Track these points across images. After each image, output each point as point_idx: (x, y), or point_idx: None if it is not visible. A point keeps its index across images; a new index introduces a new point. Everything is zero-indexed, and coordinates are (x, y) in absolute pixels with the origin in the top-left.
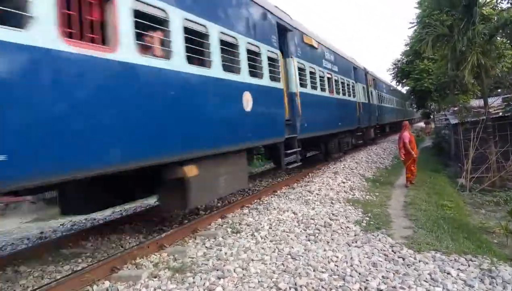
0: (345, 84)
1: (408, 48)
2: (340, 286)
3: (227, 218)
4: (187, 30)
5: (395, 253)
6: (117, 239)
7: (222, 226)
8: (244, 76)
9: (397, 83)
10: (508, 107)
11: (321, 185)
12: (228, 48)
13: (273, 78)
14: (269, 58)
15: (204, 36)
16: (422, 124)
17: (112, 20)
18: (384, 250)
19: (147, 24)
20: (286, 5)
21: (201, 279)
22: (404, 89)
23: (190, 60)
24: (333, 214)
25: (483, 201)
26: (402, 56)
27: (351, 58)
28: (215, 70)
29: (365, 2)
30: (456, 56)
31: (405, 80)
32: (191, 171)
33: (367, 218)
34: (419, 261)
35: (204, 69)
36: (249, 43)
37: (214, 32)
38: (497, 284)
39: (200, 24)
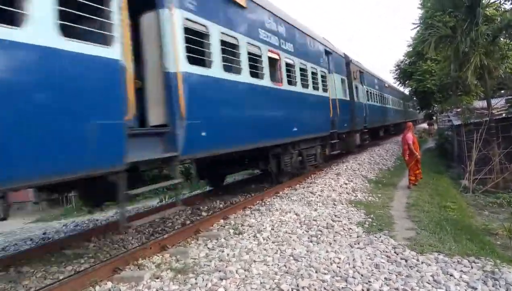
0: (309, 73)
1: (411, 49)
2: (342, 287)
3: (229, 219)
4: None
5: (397, 254)
6: (119, 240)
7: (224, 227)
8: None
9: (400, 85)
10: (511, 108)
11: (323, 186)
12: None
13: None
14: None
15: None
16: (425, 125)
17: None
18: (386, 252)
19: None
20: (286, 5)
21: (203, 280)
22: (406, 90)
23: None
24: (335, 215)
25: (486, 202)
26: (405, 57)
27: (322, 38)
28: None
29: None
30: (459, 57)
31: (407, 81)
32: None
33: (370, 220)
34: (422, 263)
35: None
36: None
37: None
38: (500, 286)
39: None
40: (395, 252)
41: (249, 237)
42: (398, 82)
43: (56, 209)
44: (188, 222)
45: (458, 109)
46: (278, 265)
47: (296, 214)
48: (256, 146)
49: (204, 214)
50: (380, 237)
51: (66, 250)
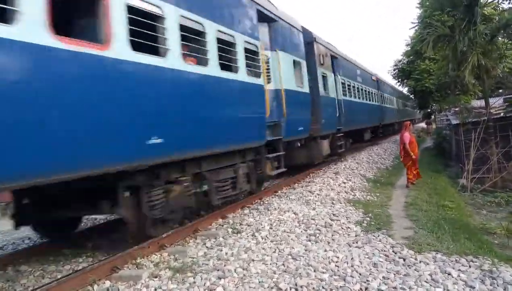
0: (209, 38)
1: (409, 48)
2: (340, 286)
3: (228, 218)
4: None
5: (395, 253)
6: (117, 239)
7: (222, 226)
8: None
9: (399, 84)
10: (509, 107)
11: (322, 185)
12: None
13: None
14: None
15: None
16: (423, 124)
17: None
18: (384, 251)
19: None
20: (286, 5)
21: (201, 279)
22: (405, 89)
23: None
24: (333, 215)
25: (484, 201)
26: (403, 56)
27: None
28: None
29: (365, 2)
30: (457, 57)
31: (406, 80)
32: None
33: (368, 219)
34: (420, 262)
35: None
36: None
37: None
38: (498, 285)
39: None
40: (393, 251)
41: (248, 236)
42: (396, 81)
43: None
44: (186, 221)
45: (456, 109)
46: (277, 264)
47: (294, 213)
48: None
49: (202, 213)
50: (378, 236)
51: (64, 249)
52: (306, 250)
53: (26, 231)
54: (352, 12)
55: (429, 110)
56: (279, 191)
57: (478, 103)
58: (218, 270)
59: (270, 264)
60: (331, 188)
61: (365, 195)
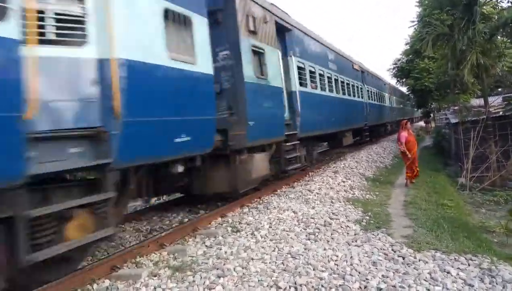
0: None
1: (408, 47)
2: (340, 285)
3: (227, 217)
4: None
5: (395, 252)
6: (117, 238)
7: (222, 225)
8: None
9: (398, 83)
10: (508, 106)
11: (321, 184)
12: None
13: None
14: None
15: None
16: (422, 123)
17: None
18: (384, 249)
19: None
20: (286, 5)
21: (201, 278)
22: (404, 88)
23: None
24: (333, 213)
25: (483, 200)
26: (402, 55)
27: None
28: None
29: (365, 2)
30: (456, 55)
31: (405, 79)
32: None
33: (367, 217)
34: (419, 260)
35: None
36: None
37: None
38: (497, 283)
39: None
40: (392, 250)
41: (247, 235)
42: (396, 80)
43: None
44: (186, 220)
45: (456, 107)
46: (276, 262)
47: (294, 212)
48: None
49: (202, 212)
50: (377, 234)
51: None
52: (305, 249)
53: None
54: (352, 12)
55: (427, 109)
56: (279, 190)
57: (477, 102)
58: (217, 269)
59: (270, 262)
60: (330, 186)
61: (364, 194)
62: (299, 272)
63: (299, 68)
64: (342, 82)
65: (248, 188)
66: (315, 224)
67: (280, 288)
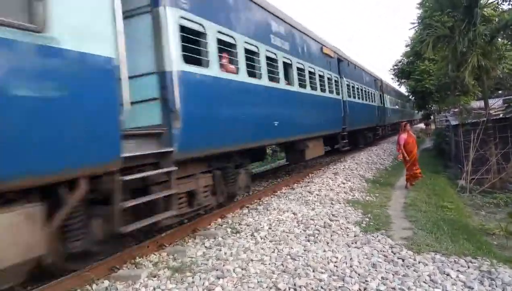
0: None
1: (409, 49)
2: (339, 286)
3: (227, 218)
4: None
5: (394, 254)
6: (116, 238)
7: (221, 226)
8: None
9: (398, 84)
10: (508, 108)
11: (321, 186)
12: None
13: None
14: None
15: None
16: (422, 125)
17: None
18: (383, 251)
19: None
20: (286, 5)
21: (200, 279)
22: (403, 89)
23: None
24: (333, 215)
25: (483, 202)
26: (403, 57)
27: None
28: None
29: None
30: (457, 57)
31: (404, 80)
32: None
33: (367, 219)
34: (419, 262)
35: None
36: None
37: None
38: (496, 286)
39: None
40: (392, 252)
41: (247, 236)
42: (396, 81)
43: None
44: (185, 220)
45: (456, 109)
46: (276, 264)
47: (293, 213)
48: None
49: (201, 212)
50: (377, 236)
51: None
52: (305, 250)
53: None
54: (352, 12)
55: (428, 111)
56: (278, 191)
57: (477, 104)
58: (217, 270)
59: (269, 264)
60: (330, 188)
61: (364, 196)
62: (299, 273)
63: (182, 30)
64: (301, 69)
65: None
66: (315, 226)
67: (279, 289)
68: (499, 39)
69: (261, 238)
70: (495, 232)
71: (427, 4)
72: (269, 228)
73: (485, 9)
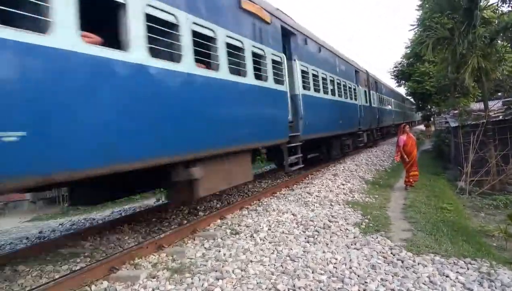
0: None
1: (409, 50)
2: (338, 288)
3: (226, 219)
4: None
5: (394, 255)
6: (116, 239)
7: (221, 227)
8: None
9: (397, 85)
10: (508, 110)
11: (320, 187)
12: None
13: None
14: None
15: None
16: (422, 127)
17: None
18: (383, 253)
19: None
20: (286, 5)
21: (199, 280)
22: (402, 91)
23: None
24: (332, 216)
25: (483, 204)
26: (403, 58)
27: None
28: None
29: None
30: (457, 59)
31: (405, 82)
32: None
33: (366, 220)
34: (418, 264)
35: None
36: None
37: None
38: (496, 288)
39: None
40: (391, 253)
41: (246, 237)
42: (395, 82)
43: (52, 207)
44: (185, 221)
45: (455, 111)
46: (275, 265)
47: (293, 214)
48: None
49: (201, 213)
50: (376, 237)
51: (62, 249)
52: (304, 252)
53: (24, 232)
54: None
55: (427, 112)
56: (278, 192)
57: (477, 106)
58: (216, 271)
59: (268, 265)
60: (330, 189)
61: (363, 197)
62: (298, 274)
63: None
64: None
65: None
66: (314, 227)
67: (278, 290)
68: (499, 41)
69: (261, 239)
70: (494, 233)
71: (427, 5)
72: (269, 229)
73: (484, 11)
